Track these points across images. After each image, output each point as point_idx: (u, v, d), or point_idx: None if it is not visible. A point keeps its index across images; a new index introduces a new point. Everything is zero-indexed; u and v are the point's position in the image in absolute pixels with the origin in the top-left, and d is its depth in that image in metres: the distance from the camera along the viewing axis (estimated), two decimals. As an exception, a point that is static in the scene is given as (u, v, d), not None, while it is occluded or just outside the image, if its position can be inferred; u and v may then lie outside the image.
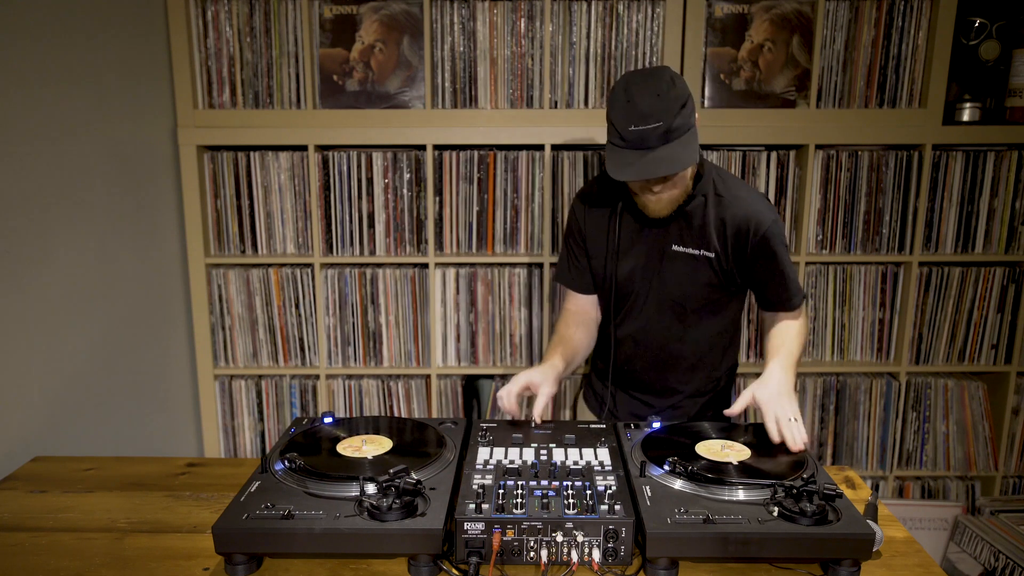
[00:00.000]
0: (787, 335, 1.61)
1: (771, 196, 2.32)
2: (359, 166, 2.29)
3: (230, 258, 2.34)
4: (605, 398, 1.84)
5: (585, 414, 1.94)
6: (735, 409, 1.44)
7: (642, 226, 1.62)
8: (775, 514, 1.14)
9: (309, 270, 2.34)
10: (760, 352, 2.42)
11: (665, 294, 1.65)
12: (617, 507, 1.16)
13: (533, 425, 1.50)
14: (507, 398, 1.52)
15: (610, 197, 1.65)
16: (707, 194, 1.58)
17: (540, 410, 1.51)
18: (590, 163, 2.29)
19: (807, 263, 2.34)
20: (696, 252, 1.60)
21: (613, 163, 1.44)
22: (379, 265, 2.36)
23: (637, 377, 1.78)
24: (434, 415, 2.42)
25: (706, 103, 2.27)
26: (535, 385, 1.54)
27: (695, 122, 1.45)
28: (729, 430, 1.48)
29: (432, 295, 2.35)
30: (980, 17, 2.29)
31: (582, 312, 1.77)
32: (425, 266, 2.36)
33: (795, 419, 1.38)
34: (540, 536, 1.13)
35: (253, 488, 1.23)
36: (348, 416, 2.39)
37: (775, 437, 1.38)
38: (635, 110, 1.39)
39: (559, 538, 1.13)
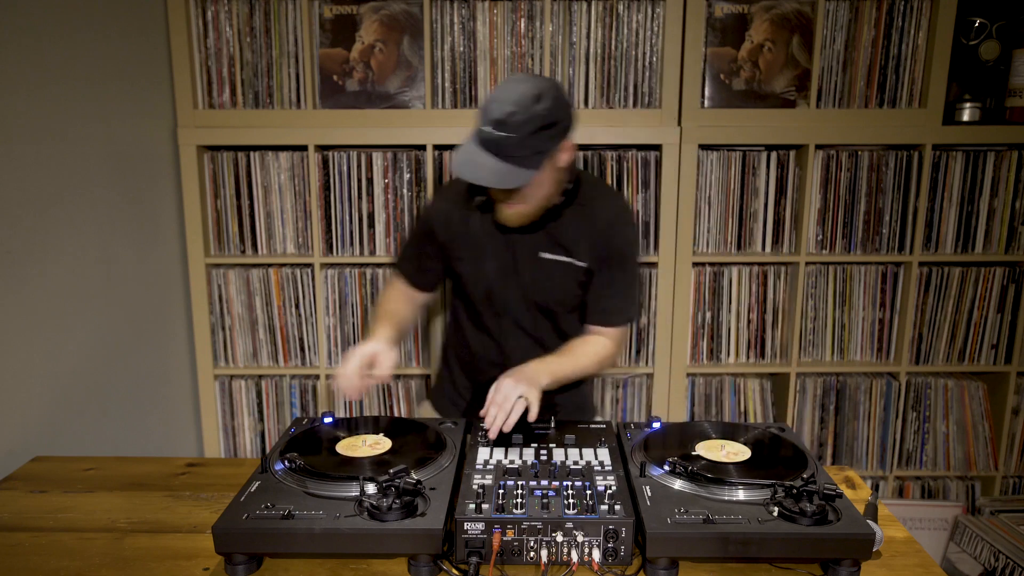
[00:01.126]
0: (583, 348, 1.59)
1: (771, 196, 2.32)
2: (359, 166, 2.29)
3: (230, 258, 2.34)
4: (465, 397, 1.80)
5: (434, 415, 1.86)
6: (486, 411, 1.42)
7: (510, 231, 1.58)
8: (775, 514, 1.14)
9: (309, 270, 2.34)
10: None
11: (535, 299, 1.62)
12: (617, 507, 1.16)
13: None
14: (349, 380, 1.43)
15: (477, 197, 1.60)
16: (582, 204, 1.56)
17: (388, 370, 1.46)
18: (590, 163, 2.29)
19: (807, 263, 2.34)
20: (566, 260, 1.58)
21: (459, 153, 1.41)
22: (379, 265, 2.36)
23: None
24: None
25: (706, 103, 2.27)
26: (376, 354, 1.46)
27: (554, 148, 1.40)
28: (730, 430, 1.48)
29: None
30: (980, 17, 2.29)
31: (411, 292, 1.74)
32: (425, 266, 2.35)
33: (515, 402, 1.37)
34: (540, 536, 1.13)
35: (253, 488, 1.23)
36: (348, 416, 2.39)
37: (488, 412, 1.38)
38: (493, 113, 1.35)
39: (559, 538, 1.13)
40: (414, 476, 1.22)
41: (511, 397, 1.38)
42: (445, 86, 2.26)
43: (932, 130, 2.25)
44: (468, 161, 1.40)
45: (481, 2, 2.22)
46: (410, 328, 1.70)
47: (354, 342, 2.38)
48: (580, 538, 1.13)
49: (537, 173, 1.40)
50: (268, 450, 1.50)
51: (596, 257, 1.58)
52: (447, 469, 1.31)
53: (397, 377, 2.41)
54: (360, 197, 2.31)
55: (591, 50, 2.25)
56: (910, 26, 2.24)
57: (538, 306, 1.63)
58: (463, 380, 1.81)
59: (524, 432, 1.44)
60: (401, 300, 1.73)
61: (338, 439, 1.42)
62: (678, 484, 1.23)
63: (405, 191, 2.31)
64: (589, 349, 1.62)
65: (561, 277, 1.59)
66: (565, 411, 1.75)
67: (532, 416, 1.39)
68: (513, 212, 1.51)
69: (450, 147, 2.29)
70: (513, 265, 1.60)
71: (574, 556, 1.13)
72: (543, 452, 1.36)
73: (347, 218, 2.32)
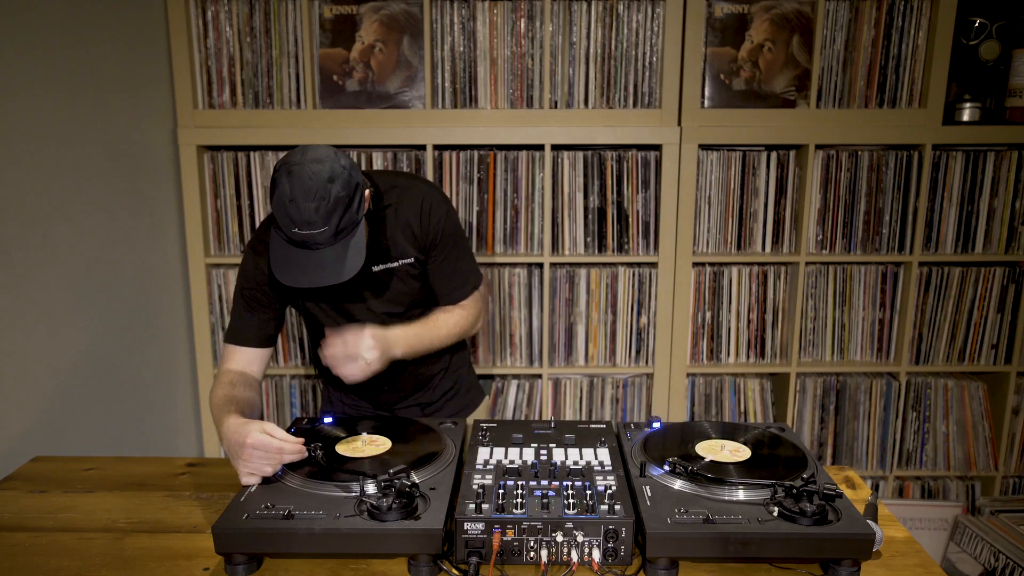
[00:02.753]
0: (444, 319, 1.63)
1: (771, 196, 2.32)
2: (359, 166, 2.29)
3: (230, 258, 2.34)
4: (357, 407, 1.77)
5: None
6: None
7: None
8: (775, 514, 1.14)
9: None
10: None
11: (382, 309, 1.61)
12: (617, 507, 1.16)
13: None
14: (257, 476, 1.27)
15: None
16: (387, 206, 1.55)
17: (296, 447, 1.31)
18: (590, 163, 2.29)
19: (807, 263, 2.34)
20: (395, 264, 1.57)
21: (280, 262, 1.38)
22: (379, 265, 2.36)
23: (390, 393, 1.72)
24: (434, 415, 2.42)
25: (706, 103, 2.27)
26: (270, 430, 1.29)
27: (363, 210, 1.40)
28: (730, 430, 1.48)
29: (432, 295, 2.35)
30: (980, 17, 2.29)
31: (245, 371, 1.56)
32: (425, 266, 2.35)
33: (357, 356, 1.42)
34: (540, 536, 1.13)
35: (253, 488, 1.23)
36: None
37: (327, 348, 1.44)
38: (299, 215, 1.31)
39: (559, 538, 1.13)
40: (414, 476, 1.22)
41: (361, 348, 1.42)
42: (445, 86, 2.26)
43: (932, 130, 2.25)
44: (291, 267, 1.37)
45: (481, 2, 2.22)
46: (257, 410, 1.55)
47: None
48: (580, 538, 1.13)
49: (363, 248, 1.39)
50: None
51: (422, 247, 1.58)
52: (447, 469, 1.31)
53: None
54: (360, 197, 2.30)
55: (591, 50, 2.25)
56: (910, 26, 2.24)
57: (391, 316, 1.62)
58: (348, 398, 1.78)
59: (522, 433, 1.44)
60: (238, 382, 1.51)
61: (338, 439, 1.42)
62: (678, 484, 1.23)
63: (405, 191, 2.30)
64: (450, 320, 1.64)
65: (397, 281, 1.59)
66: (440, 391, 1.78)
67: (350, 380, 1.45)
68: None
69: (450, 147, 2.30)
70: (351, 288, 1.55)
71: (574, 556, 1.13)
72: (543, 452, 1.36)
73: (347, 218, 2.32)
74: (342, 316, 1.61)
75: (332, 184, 1.32)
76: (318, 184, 1.31)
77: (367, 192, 1.43)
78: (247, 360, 1.57)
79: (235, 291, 1.59)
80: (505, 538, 1.13)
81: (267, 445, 1.24)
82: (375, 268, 1.56)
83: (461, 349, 1.83)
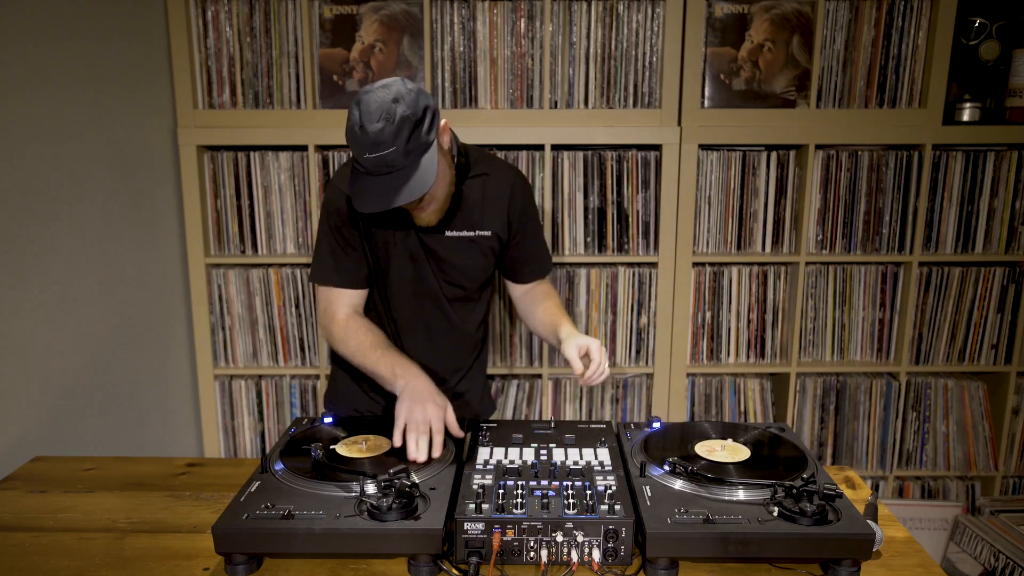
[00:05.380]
0: (556, 299, 1.70)
1: (771, 196, 2.32)
2: (359, 166, 2.29)
3: (230, 258, 2.34)
4: (366, 404, 1.76)
5: None
6: (578, 366, 1.46)
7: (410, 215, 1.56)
8: (775, 514, 1.14)
9: (309, 270, 2.34)
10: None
11: (446, 278, 1.63)
12: (617, 507, 1.16)
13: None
14: (422, 452, 1.37)
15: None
16: (478, 175, 1.59)
17: (456, 424, 1.46)
18: (590, 163, 2.29)
19: (807, 263, 2.34)
20: (472, 234, 1.60)
21: (357, 192, 1.41)
22: (379, 265, 2.36)
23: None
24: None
25: (706, 103, 2.27)
26: (447, 410, 1.45)
27: (435, 135, 1.40)
28: (730, 430, 1.48)
29: (432, 295, 2.34)
30: (980, 17, 2.29)
31: (360, 308, 1.64)
32: (425, 266, 2.35)
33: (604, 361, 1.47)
34: (540, 536, 1.13)
35: (253, 488, 1.23)
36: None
37: (579, 365, 1.45)
38: (367, 137, 1.33)
39: (559, 538, 1.13)
40: (414, 477, 1.22)
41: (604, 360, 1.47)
42: (445, 86, 2.26)
43: (932, 130, 2.25)
44: (367, 194, 1.39)
45: (481, 2, 2.22)
46: None
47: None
48: (580, 538, 1.13)
49: (435, 168, 1.40)
50: (268, 450, 1.50)
51: (508, 223, 1.63)
52: (447, 469, 1.31)
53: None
54: (360, 197, 2.30)
55: (591, 50, 2.25)
56: (910, 26, 2.24)
57: (450, 287, 1.64)
58: (362, 388, 1.75)
59: (523, 432, 1.45)
60: (365, 323, 1.61)
61: (338, 439, 1.42)
62: (678, 484, 1.23)
63: (405, 191, 2.30)
64: (555, 297, 1.72)
65: (469, 252, 1.61)
66: (474, 401, 1.80)
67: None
68: (430, 212, 1.50)
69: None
70: (421, 250, 1.59)
71: (574, 556, 1.13)
72: (543, 452, 1.36)
73: (347, 218, 2.32)
74: (399, 289, 1.62)
75: (397, 104, 1.34)
76: (383, 106, 1.34)
77: (444, 124, 1.45)
78: (354, 303, 1.63)
79: (321, 226, 1.62)
80: (505, 538, 1.13)
81: (433, 424, 1.38)
82: (450, 233, 1.58)
83: (482, 352, 1.83)
